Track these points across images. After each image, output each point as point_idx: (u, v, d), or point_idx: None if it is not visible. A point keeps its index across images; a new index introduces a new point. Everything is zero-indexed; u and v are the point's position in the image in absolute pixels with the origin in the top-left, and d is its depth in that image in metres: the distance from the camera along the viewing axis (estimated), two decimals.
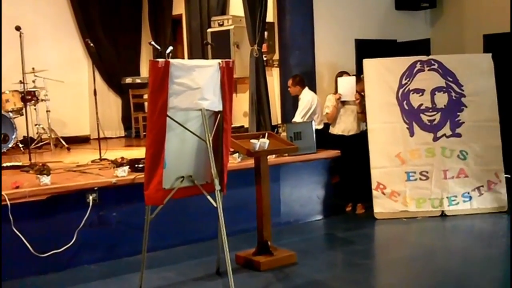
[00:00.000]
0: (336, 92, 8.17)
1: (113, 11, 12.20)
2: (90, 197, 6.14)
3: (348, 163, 8.09)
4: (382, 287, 5.73)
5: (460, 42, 10.52)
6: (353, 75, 8.55)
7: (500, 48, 9.32)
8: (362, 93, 8.06)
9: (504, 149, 8.10)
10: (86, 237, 6.11)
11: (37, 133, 9.93)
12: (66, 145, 9.98)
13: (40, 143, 9.91)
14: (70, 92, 11.19)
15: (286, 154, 7.57)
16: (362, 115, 8.10)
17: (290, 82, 8.69)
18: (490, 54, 8.38)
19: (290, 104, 8.94)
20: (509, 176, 8.51)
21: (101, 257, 6.26)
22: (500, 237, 7.25)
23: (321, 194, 8.13)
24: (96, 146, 8.23)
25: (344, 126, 8.15)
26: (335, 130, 8.23)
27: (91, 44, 8.79)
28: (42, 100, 10.02)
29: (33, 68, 9.87)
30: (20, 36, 8.02)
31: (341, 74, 8.33)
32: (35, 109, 9.94)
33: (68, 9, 11.75)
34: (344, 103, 8.15)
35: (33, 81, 9.95)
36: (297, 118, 8.47)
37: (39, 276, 5.76)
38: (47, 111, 10.07)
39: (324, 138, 8.40)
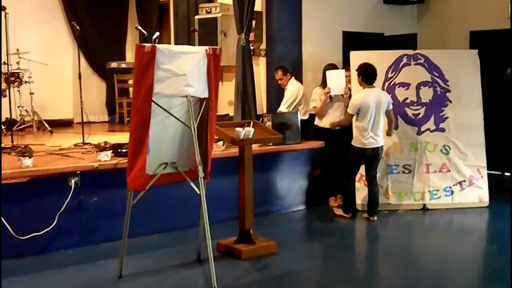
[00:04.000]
0: (323, 84, 8.10)
1: None
2: (72, 181, 6.10)
3: (332, 156, 8.04)
4: (359, 280, 5.75)
5: (446, 38, 10.55)
6: (342, 68, 8.44)
7: (486, 45, 9.35)
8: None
9: (487, 145, 8.15)
10: (66, 221, 6.07)
11: (20, 115, 9.82)
12: (49, 128, 9.89)
13: (23, 125, 9.81)
14: (54, 75, 11.09)
15: (271, 144, 7.57)
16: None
17: (279, 74, 8.49)
18: (477, 51, 8.42)
19: (275, 93, 8.92)
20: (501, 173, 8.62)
21: (79, 242, 6.23)
22: (480, 233, 7.32)
23: (303, 185, 8.15)
24: (79, 130, 8.18)
25: (332, 119, 7.98)
26: (322, 123, 8.17)
27: (77, 27, 8.72)
28: (26, 82, 9.91)
29: (17, 50, 9.76)
30: (5, 16, 7.91)
31: (329, 67, 8.16)
32: (18, 91, 9.82)
33: None
34: (332, 98, 8.06)
35: (17, 63, 9.83)
36: (282, 108, 8.44)
37: (17, 259, 5.72)
38: (30, 94, 9.98)
39: (309, 129, 8.39)
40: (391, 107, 7.49)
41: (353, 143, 7.46)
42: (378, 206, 7.61)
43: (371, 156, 7.43)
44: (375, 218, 7.54)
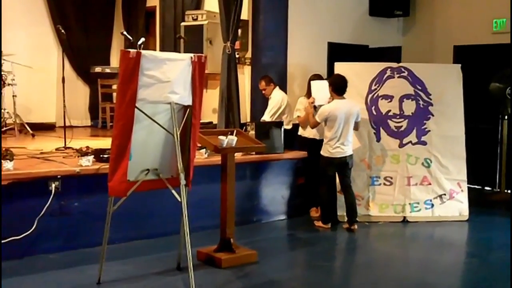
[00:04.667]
0: (308, 94, 8.12)
1: None
2: (53, 185, 6.07)
3: (315, 167, 8.03)
4: None
5: (430, 52, 10.63)
6: (326, 79, 8.47)
7: (469, 60, 9.45)
8: None
9: (468, 159, 8.21)
10: (46, 226, 6.03)
11: (1, 118, 9.76)
12: (31, 132, 9.84)
13: (5, 128, 9.74)
14: (38, 78, 11.04)
15: (254, 153, 7.58)
16: None
17: (263, 84, 8.54)
18: (460, 65, 8.49)
19: (259, 102, 8.93)
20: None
21: (60, 247, 6.19)
22: (460, 246, 7.36)
23: (285, 195, 8.16)
24: (61, 134, 8.13)
25: (316, 130, 8.01)
26: (306, 133, 8.19)
27: (62, 31, 8.70)
28: (9, 84, 9.85)
29: (0, 51, 9.69)
30: None
31: (314, 77, 8.19)
32: (0, 93, 9.75)
33: None
34: (316, 108, 8.08)
35: (0, 65, 9.77)
36: (266, 117, 8.46)
37: None
38: (13, 96, 9.92)
39: (293, 138, 8.40)
40: (359, 119, 7.65)
41: (321, 152, 7.60)
42: (356, 215, 7.65)
43: (340, 165, 7.54)
44: (356, 226, 7.58)
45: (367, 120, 8.15)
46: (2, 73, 9.68)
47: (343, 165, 7.54)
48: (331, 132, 7.44)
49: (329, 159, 7.50)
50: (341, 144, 7.44)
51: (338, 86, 7.53)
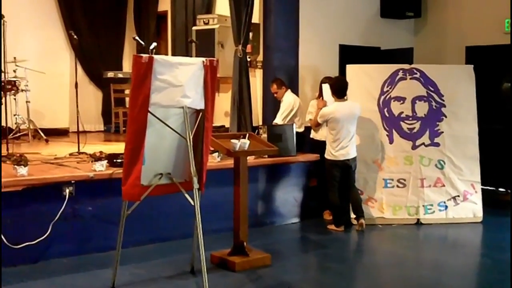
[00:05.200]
0: (320, 97, 8.12)
1: (98, 3, 12.12)
2: (67, 190, 6.10)
3: None
4: None
5: (442, 53, 10.59)
6: None
7: (481, 61, 9.40)
8: None
9: (482, 160, 8.17)
10: (60, 230, 6.06)
11: (15, 124, 9.82)
12: (45, 137, 9.88)
13: (18, 134, 9.80)
14: (51, 83, 11.08)
15: (266, 156, 7.58)
16: None
17: (274, 87, 8.58)
18: (472, 66, 8.46)
19: (271, 105, 8.93)
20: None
21: (74, 251, 6.22)
22: (473, 248, 7.33)
23: (298, 197, 8.15)
24: (75, 139, 8.16)
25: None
26: (318, 136, 8.20)
27: (75, 36, 8.75)
28: (22, 90, 9.90)
29: (14, 58, 9.77)
30: (3, 24, 7.92)
31: (326, 80, 8.15)
32: (14, 99, 9.82)
33: (52, 0, 11.67)
34: None
35: (14, 71, 9.84)
36: (278, 120, 8.46)
37: (11, 267, 5.70)
38: (26, 102, 9.98)
39: (305, 141, 8.41)
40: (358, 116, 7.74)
41: (325, 155, 7.68)
42: (362, 210, 7.69)
43: (344, 168, 7.58)
44: (363, 221, 7.61)
45: (380, 122, 8.14)
46: (15, 79, 9.75)
47: (346, 168, 7.60)
48: (332, 134, 7.55)
49: (333, 162, 7.57)
50: (344, 146, 7.50)
51: (338, 89, 7.61)
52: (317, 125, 7.84)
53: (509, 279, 5.61)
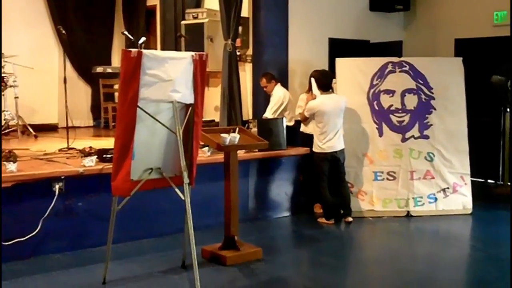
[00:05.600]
0: (309, 91, 8.13)
1: None
2: (57, 186, 6.08)
3: None
4: (346, 285, 5.77)
5: (432, 46, 10.61)
6: None
7: (471, 53, 9.43)
8: None
9: (471, 152, 8.20)
10: (51, 226, 6.04)
11: (4, 120, 9.77)
12: (34, 133, 9.85)
13: (7, 130, 9.76)
14: (40, 79, 11.03)
15: (256, 150, 7.58)
16: None
17: (264, 81, 8.55)
18: (461, 58, 8.48)
19: (261, 99, 8.93)
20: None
21: (65, 247, 6.20)
22: (465, 241, 7.36)
23: (289, 191, 8.15)
24: (64, 135, 8.14)
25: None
26: (308, 129, 8.20)
27: (63, 32, 8.70)
28: (10, 86, 9.86)
29: (2, 53, 9.71)
30: None
31: (315, 73, 8.05)
32: (3, 95, 9.77)
33: None
34: None
35: (2, 66, 9.79)
36: (268, 114, 8.45)
37: (3, 264, 5.66)
38: (15, 98, 9.93)
39: (295, 135, 8.41)
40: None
41: (313, 149, 7.72)
42: (350, 208, 7.73)
43: (332, 160, 7.61)
44: (349, 219, 7.65)
45: (369, 115, 8.16)
46: (3, 75, 9.69)
47: (335, 160, 7.62)
48: (319, 127, 7.59)
49: (321, 155, 7.60)
50: (331, 139, 7.53)
51: (322, 82, 7.66)
52: (305, 119, 7.87)
53: (502, 273, 5.65)
